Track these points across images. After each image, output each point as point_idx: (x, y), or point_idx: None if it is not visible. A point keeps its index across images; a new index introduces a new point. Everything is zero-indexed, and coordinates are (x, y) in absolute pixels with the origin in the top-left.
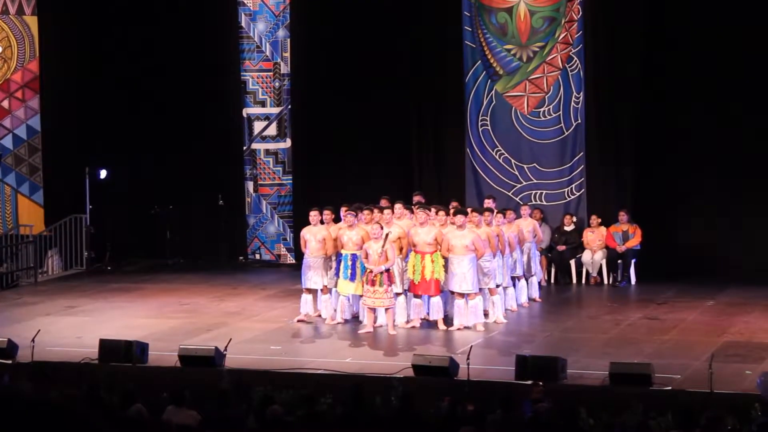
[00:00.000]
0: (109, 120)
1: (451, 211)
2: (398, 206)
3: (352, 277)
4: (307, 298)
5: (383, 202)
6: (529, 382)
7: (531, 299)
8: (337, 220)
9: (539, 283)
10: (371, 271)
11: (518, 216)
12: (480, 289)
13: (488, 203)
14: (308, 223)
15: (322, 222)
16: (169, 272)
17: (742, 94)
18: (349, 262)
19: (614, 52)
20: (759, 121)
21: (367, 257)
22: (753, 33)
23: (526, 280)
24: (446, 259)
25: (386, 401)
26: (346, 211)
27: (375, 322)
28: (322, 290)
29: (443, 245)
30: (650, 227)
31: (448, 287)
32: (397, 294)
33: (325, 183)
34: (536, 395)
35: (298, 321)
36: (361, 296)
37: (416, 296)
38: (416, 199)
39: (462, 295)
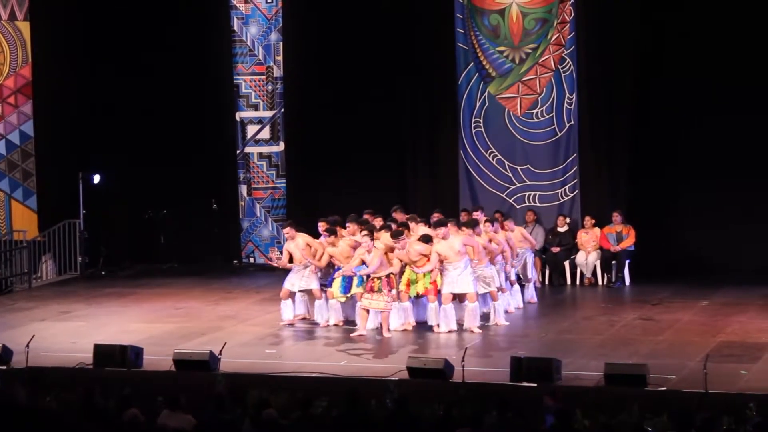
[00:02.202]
0: (103, 125)
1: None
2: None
3: (346, 290)
4: (286, 302)
5: (367, 216)
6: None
7: (526, 302)
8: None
9: (533, 283)
10: (373, 279)
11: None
12: (481, 294)
13: (476, 215)
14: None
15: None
16: (164, 276)
17: (738, 94)
18: (346, 283)
19: (607, 53)
20: (753, 121)
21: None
22: (749, 34)
23: (521, 285)
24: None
25: (381, 404)
26: (323, 226)
27: (369, 324)
28: (315, 293)
29: (432, 258)
30: (644, 228)
31: (449, 291)
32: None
33: (319, 186)
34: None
35: (288, 324)
36: (353, 296)
37: (417, 297)
38: (399, 218)
39: (461, 297)
